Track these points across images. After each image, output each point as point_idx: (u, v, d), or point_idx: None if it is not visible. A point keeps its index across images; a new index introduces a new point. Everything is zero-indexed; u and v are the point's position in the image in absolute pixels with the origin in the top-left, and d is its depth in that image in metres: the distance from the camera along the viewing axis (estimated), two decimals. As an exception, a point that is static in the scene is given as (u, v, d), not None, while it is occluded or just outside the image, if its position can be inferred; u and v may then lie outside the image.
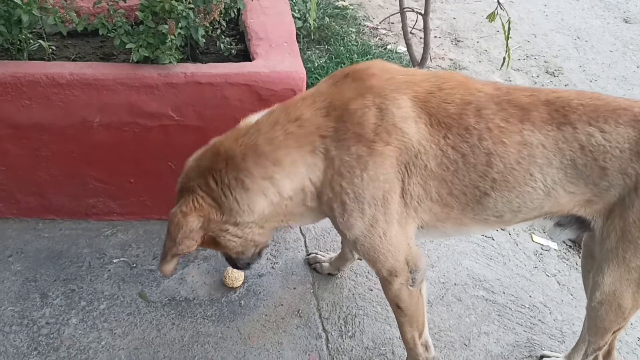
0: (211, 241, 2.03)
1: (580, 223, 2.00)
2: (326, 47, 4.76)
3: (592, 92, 1.95)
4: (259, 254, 2.24)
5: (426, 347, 2.22)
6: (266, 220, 2.02)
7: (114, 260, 2.74)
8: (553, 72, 4.98)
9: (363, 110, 1.87)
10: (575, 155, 1.83)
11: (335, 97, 1.93)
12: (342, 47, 4.70)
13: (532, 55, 5.25)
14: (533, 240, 3.18)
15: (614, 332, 2.07)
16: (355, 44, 4.85)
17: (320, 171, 1.91)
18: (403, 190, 1.91)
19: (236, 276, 2.62)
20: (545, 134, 1.84)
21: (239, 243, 2.06)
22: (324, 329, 2.51)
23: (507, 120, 1.86)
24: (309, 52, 4.61)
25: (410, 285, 2.03)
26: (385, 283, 2.05)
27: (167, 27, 2.49)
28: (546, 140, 1.84)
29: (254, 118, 2.05)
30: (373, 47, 4.88)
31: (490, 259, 2.99)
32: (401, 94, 1.90)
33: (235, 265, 2.30)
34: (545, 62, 5.15)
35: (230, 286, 2.62)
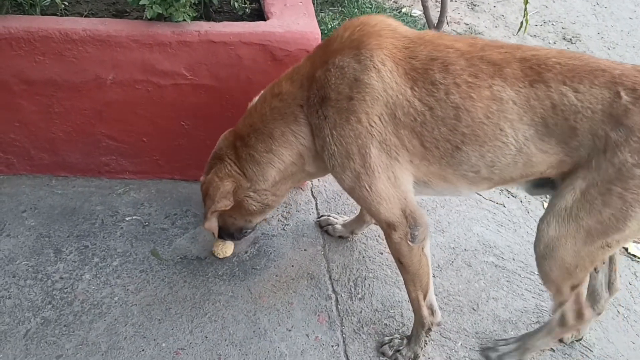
0: (235, 206, 2.30)
1: (552, 183, 2.02)
2: (340, 9, 4.69)
3: (575, 52, 1.93)
4: (254, 228, 2.54)
5: (432, 311, 2.25)
6: (278, 187, 2.29)
7: (127, 218, 2.76)
8: (570, 39, 4.88)
9: (325, 74, 2.00)
10: (547, 114, 1.84)
11: (306, 69, 2.10)
12: (355, 10, 4.62)
13: (549, 21, 5.15)
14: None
15: (572, 289, 2.06)
16: (370, 6, 4.76)
17: (308, 136, 2.12)
18: (381, 142, 1.96)
19: (226, 248, 2.61)
20: (517, 91, 1.85)
21: (257, 208, 2.33)
22: (333, 291, 2.54)
23: (476, 75, 1.88)
24: (322, 13, 4.54)
25: (410, 241, 2.07)
26: (386, 236, 2.13)
27: (181, -17, 2.45)
28: (517, 97, 1.85)
29: (255, 98, 2.29)
30: (387, 10, 4.80)
31: (501, 225, 2.99)
32: (362, 48, 1.95)
33: (231, 236, 2.49)
34: (562, 28, 5.05)
35: (222, 257, 2.60)
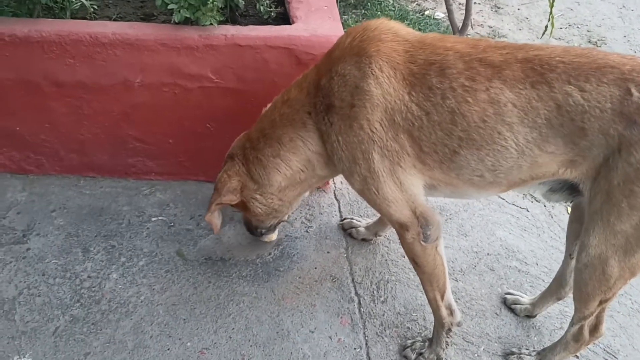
0: (243, 205, 2.40)
1: (571, 188, 1.97)
2: (363, 11, 4.71)
3: (583, 49, 1.87)
4: (275, 226, 2.58)
5: (450, 311, 2.24)
6: (285, 193, 2.33)
7: (153, 219, 2.81)
8: (596, 42, 4.84)
9: (329, 82, 2.02)
10: (551, 115, 1.79)
11: (312, 76, 2.13)
12: (379, 12, 4.64)
13: (574, 24, 5.11)
14: (568, 213, 3.14)
15: (600, 304, 2.02)
16: (393, 9, 4.78)
17: (317, 142, 2.15)
18: (383, 148, 1.97)
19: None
20: (517, 93, 1.81)
21: (263, 210, 2.39)
22: (356, 293, 2.55)
23: (473, 79, 1.85)
24: (346, 16, 4.56)
25: (423, 241, 2.07)
26: (399, 236, 2.14)
27: (208, -12, 2.48)
28: (517, 99, 1.81)
29: (270, 104, 2.33)
30: (410, 13, 4.81)
31: (525, 230, 2.97)
32: (362, 55, 1.96)
33: (251, 231, 2.59)
34: (588, 31, 5.01)
35: (267, 240, 2.67)
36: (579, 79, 1.76)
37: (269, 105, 2.33)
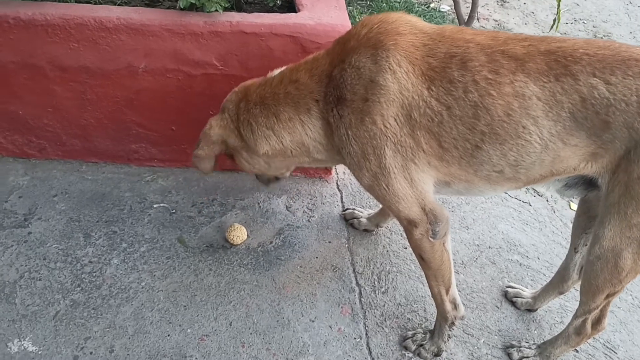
0: (231, 157, 2.36)
1: (587, 183, 1.96)
2: (368, 2, 4.68)
3: (605, 41, 1.84)
4: (276, 179, 2.57)
5: (454, 305, 2.23)
6: (272, 160, 2.27)
7: (154, 205, 2.80)
8: (601, 38, 4.82)
9: (341, 73, 1.97)
10: (575, 109, 1.76)
11: (325, 65, 2.06)
12: (384, 4, 4.61)
13: (580, 19, 5.08)
14: (570, 208, 3.15)
15: (607, 297, 2.02)
16: (398, 0, 4.75)
17: (318, 130, 2.11)
18: (396, 144, 1.93)
19: (238, 234, 2.64)
20: (541, 86, 1.78)
21: (247, 168, 2.36)
22: (357, 284, 2.55)
23: (496, 71, 1.81)
24: (350, 7, 4.54)
25: (431, 237, 2.05)
26: (407, 232, 2.10)
27: (214, -26, 2.47)
28: (541, 92, 1.78)
29: (276, 71, 2.25)
30: (416, 5, 4.79)
31: (527, 224, 2.97)
32: (379, 48, 1.91)
33: (264, 181, 2.57)
34: (593, 27, 4.98)
35: (235, 243, 2.64)
36: (605, 72, 1.74)
37: (276, 72, 2.24)
